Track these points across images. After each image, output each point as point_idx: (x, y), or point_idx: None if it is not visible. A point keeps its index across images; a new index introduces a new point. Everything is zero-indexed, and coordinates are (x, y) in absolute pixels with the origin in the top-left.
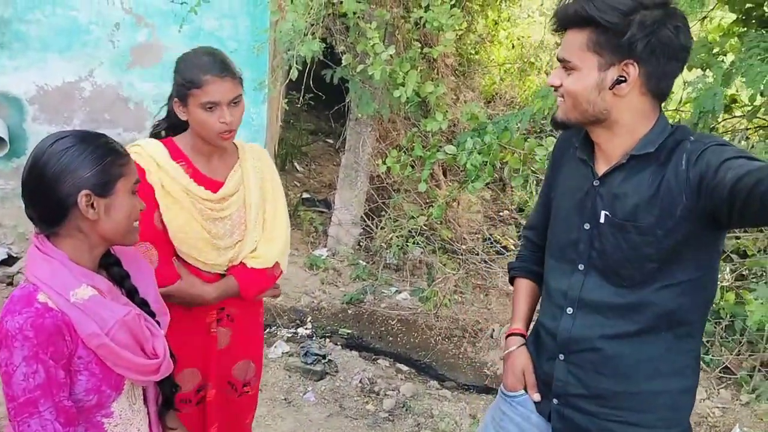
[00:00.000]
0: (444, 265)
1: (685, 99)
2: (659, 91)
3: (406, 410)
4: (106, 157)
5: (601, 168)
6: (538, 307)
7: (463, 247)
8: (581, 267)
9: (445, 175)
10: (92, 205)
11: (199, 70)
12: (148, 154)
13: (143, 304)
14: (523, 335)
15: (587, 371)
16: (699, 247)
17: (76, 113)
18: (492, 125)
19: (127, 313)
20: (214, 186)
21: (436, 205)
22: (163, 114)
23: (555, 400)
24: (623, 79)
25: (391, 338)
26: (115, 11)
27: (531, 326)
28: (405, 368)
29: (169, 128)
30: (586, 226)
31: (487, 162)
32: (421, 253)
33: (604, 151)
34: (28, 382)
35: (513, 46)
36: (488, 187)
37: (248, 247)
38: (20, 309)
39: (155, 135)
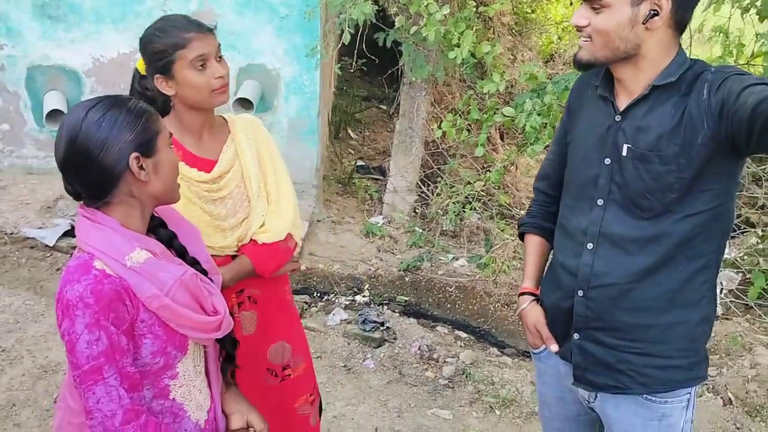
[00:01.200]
0: (502, 231)
1: (756, 52)
2: (683, 22)
3: (466, 377)
4: (141, 117)
5: (623, 104)
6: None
7: (522, 212)
8: (600, 202)
9: (502, 138)
10: (141, 166)
11: (178, 31)
12: None
13: (194, 264)
14: (533, 293)
15: (605, 305)
16: (717, 176)
17: None
18: (551, 85)
19: (184, 273)
20: (207, 165)
21: (494, 170)
22: None
23: (576, 335)
24: (656, 12)
25: (449, 305)
26: None
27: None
28: (464, 335)
29: None
30: (607, 161)
31: (547, 123)
32: (479, 219)
33: (626, 86)
34: (91, 349)
35: (571, 3)
36: (548, 150)
37: (256, 223)
38: (78, 278)
39: None
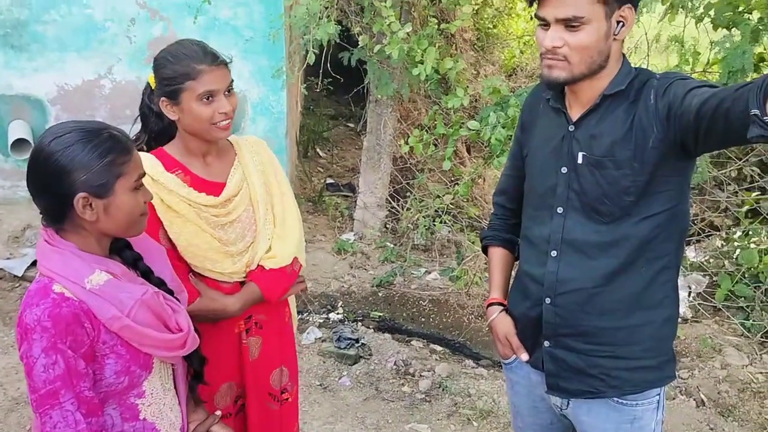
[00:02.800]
0: (473, 243)
1: (712, 60)
2: (627, 33)
3: (443, 390)
4: (105, 156)
5: (575, 114)
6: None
7: None
8: (560, 210)
9: (469, 152)
10: (90, 205)
11: (191, 61)
12: None
13: (160, 284)
14: (501, 303)
15: (573, 311)
16: (670, 178)
17: (98, 111)
18: (514, 98)
19: (144, 293)
20: (216, 189)
21: (462, 183)
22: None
23: (546, 343)
24: (623, 23)
25: (423, 319)
26: (129, 6)
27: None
28: (439, 348)
29: (152, 140)
30: (563, 170)
31: (511, 135)
32: (449, 232)
33: (580, 98)
34: (48, 373)
35: (531, 18)
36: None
37: (262, 248)
38: (37, 301)
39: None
